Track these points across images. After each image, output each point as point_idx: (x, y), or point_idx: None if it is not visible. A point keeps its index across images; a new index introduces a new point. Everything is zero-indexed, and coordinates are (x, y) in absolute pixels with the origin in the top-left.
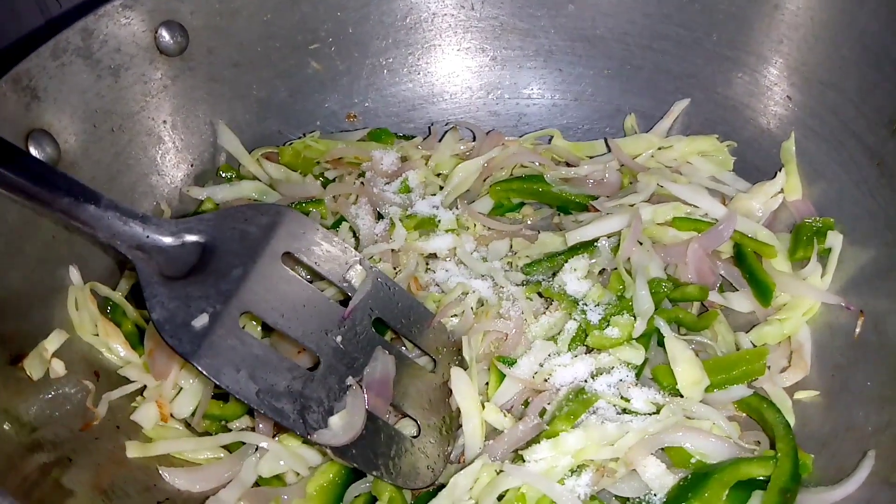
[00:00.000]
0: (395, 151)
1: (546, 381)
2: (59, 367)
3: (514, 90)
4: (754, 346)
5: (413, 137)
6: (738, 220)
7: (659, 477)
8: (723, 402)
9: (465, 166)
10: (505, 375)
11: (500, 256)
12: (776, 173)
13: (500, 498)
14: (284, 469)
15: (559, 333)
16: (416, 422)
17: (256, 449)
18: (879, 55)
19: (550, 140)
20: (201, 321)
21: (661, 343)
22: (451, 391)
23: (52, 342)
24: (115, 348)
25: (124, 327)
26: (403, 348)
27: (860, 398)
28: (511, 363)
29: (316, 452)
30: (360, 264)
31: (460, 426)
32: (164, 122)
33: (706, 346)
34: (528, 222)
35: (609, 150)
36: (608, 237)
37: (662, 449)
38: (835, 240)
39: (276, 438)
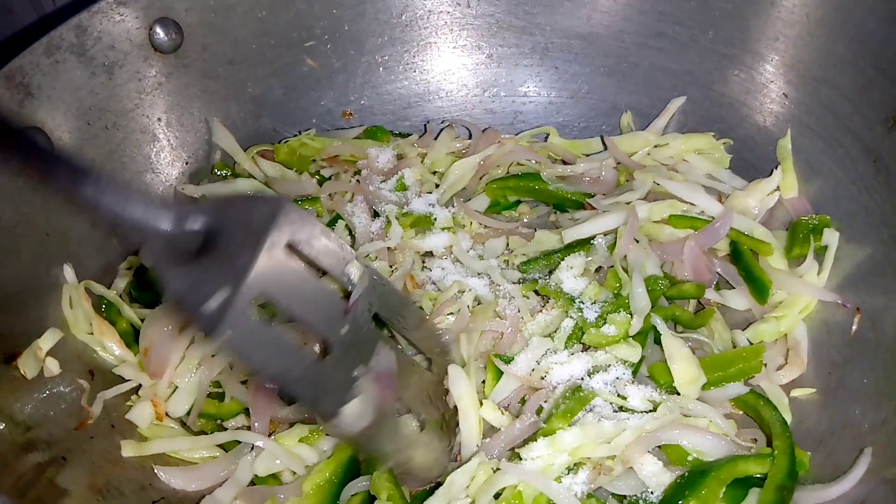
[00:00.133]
0: (391, 149)
1: (543, 378)
2: (53, 366)
3: (510, 88)
4: (751, 343)
5: (409, 135)
6: (734, 217)
7: (656, 475)
8: (719, 399)
9: (461, 164)
10: (502, 373)
11: (496, 254)
12: (772, 171)
13: (497, 496)
14: (280, 468)
15: (556, 331)
16: (418, 417)
17: (252, 448)
18: (875, 52)
19: (547, 138)
20: (217, 301)
21: (657, 341)
22: (447, 390)
23: (47, 341)
24: (110, 347)
25: (119, 326)
26: (399, 346)
27: (857, 395)
28: (508, 361)
29: (312, 451)
30: (357, 260)
31: (458, 424)
32: (159, 119)
33: (703, 343)
34: (525, 220)
35: (605, 148)
36: (604, 235)
37: (659, 447)
38: (831, 237)
39: (272, 437)
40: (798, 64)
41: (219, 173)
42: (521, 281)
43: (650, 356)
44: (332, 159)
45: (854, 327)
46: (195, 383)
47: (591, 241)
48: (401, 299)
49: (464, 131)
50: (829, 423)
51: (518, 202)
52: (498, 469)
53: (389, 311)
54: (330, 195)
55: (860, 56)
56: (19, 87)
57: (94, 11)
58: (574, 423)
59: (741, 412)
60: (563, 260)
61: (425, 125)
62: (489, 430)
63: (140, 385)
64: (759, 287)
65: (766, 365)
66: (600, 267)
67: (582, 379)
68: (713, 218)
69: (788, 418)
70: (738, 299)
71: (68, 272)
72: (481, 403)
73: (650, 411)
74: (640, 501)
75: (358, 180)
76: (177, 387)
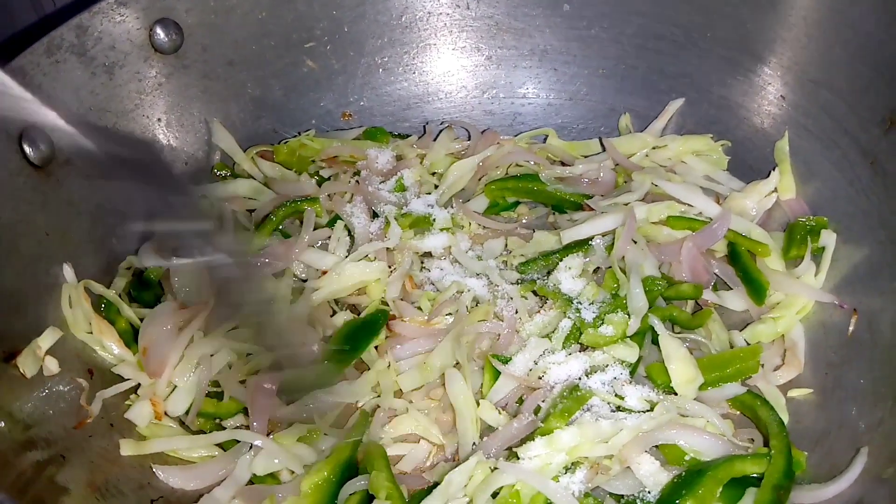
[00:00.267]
0: (390, 150)
1: (540, 378)
2: (52, 365)
3: (509, 89)
4: (748, 344)
5: (408, 136)
6: (732, 218)
7: (653, 474)
8: (717, 399)
9: (460, 165)
10: (500, 373)
11: (494, 255)
12: (770, 172)
13: (494, 495)
14: (279, 467)
15: (553, 331)
16: None
17: (251, 447)
18: (872, 54)
19: (545, 139)
20: None
21: (655, 341)
22: None
23: (46, 340)
24: (109, 346)
25: (118, 325)
26: None
27: (853, 396)
28: (506, 361)
29: (311, 450)
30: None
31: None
32: (159, 120)
33: (700, 344)
34: (523, 221)
35: (604, 150)
36: (602, 236)
37: (656, 446)
38: (828, 238)
39: (271, 437)
40: (795, 66)
41: (218, 174)
42: (519, 281)
43: (648, 356)
44: (331, 160)
45: (851, 328)
46: (194, 382)
47: (590, 242)
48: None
49: (463, 132)
50: (826, 424)
51: (517, 203)
52: (495, 468)
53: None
54: (329, 196)
55: (857, 58)
56: (20, 86)
57: (95, 12)
58: (571, 422)
59: (738, 412)
60: (561, 261)
61: (424, 126)
62: (487, 430)
63: (139, 384)
64: (756, 288)
65: (763, 365)
66: (598, 268)
67: (579, 379)
68: (711, 219)
69: (785, 418)
70: (736, 300)
71: (68, 271)
72: (478, 404)
73: (647, 411)
74: (638, 501)
75: (357, 181)
76: (176, 386)
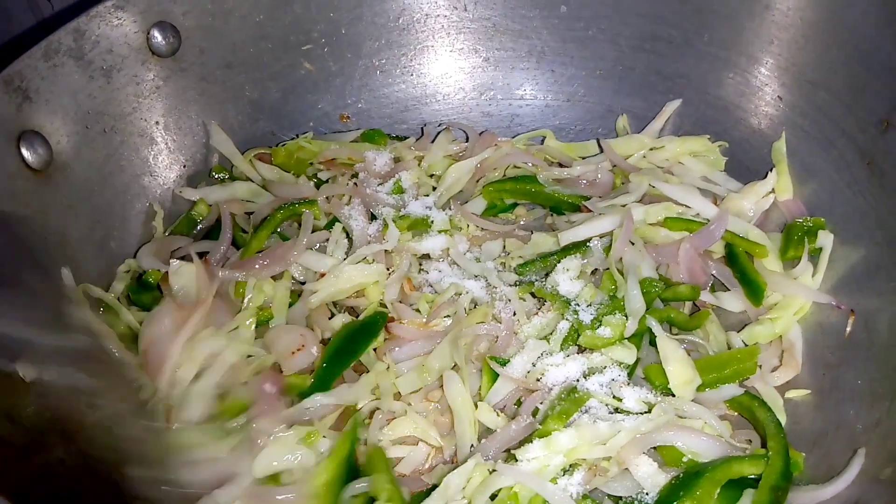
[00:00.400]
0: (388, 152)
1: (538, 380)
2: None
3: (506, 91)
4: (746, 345)
5: (406, 138)
6: (729, 219)
7: (651, 476)
8: (714, 401)
9: (458, 167)
10: (498, 375)
11: (493, 257)
12: (767, 173)
13: (493, 497)
14: (280, 469)
15: (551, 333)
16: None
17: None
18: (869, 55)
19: (543, 141)
20: None
21: (652, 343)
22: None
23: None
24: (110, 350)
25: (117, 328)
26: None
27: (850, 396)
28: (504, 363)
29: (311, 452)
30: None
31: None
32: (157, 122)
33: (698, 345)
34: (521, 223)
35: (601, 151)
36: (600, 237)
37: (654, 448)
38: (826, 239)
39: (272, 438)
40: (792, 67)
41: (217, 176)
42: (517, 283)
43: (645, 358)
44: (329, 162)
45: (848, 329)
46: (209, 385)
47: (587, 244)
48: None
49: (461, 134)
50: (824, 424)
51: (515, 205)
52: (494, 471)
53: None
54: (327, 198)
55: (854, 59)
56: (17, 90)
57: (93, 16)
58: (569, 424)
59: (736, 413)
60: (559, 262)
61: (422, 128)
62: (485, 432)
63: None
64: (753, 289)
65: (760, 366)
66: (596, 269)
67: (577, 380)
68: (708, 220)
69: (783, 419)
70: (733, 301)
71: (66, 275)
72: (476, 406)
73: (645, 413)
74: (636, 502)
75: (355, 183)
76: (190, 391)
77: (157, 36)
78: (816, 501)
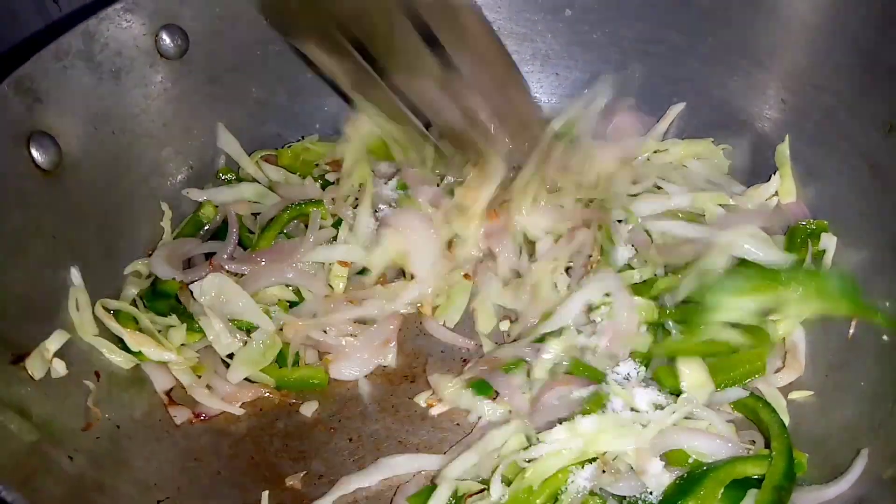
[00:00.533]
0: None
1: None
2: (60, 367)
3: None
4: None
5: None
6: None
7: (656, 475)
8: (719, 402)
9: None
10: None
11: None
12: (771, 176)
13: (509, 483)
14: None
15: None
16: None
17: None
18: (872, 59)
19: None
20: None
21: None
22: None
23: (54, 342)
24: (149, 352)
25: (129, 326)
26: None
27: (853, 398)
28: None
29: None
30: None
31: None
32: (165, 124)
33: None
34: None
35: None
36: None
37: None
38: (829, 242)
39: None
40: (796, 70)
41: (223, 178)
42: None
43: (654, 361)
44: (335, 163)
45: (851, 331)
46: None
47: None
48: None
49: None
50: (827, 425)
51: None
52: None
53: None
54: (333, 200)
55: (857, 63)
56: (28, 92)
57: (102, 18)
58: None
59: (740, 414)
60: None
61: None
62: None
63: (172, 388)
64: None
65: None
66: None
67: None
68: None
69: (786, 420)
70: None
71: (75, 275)
72: None
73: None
74: (640, 502)
75: (361, 185)
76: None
77: (166, 38)
78: (819, 502)
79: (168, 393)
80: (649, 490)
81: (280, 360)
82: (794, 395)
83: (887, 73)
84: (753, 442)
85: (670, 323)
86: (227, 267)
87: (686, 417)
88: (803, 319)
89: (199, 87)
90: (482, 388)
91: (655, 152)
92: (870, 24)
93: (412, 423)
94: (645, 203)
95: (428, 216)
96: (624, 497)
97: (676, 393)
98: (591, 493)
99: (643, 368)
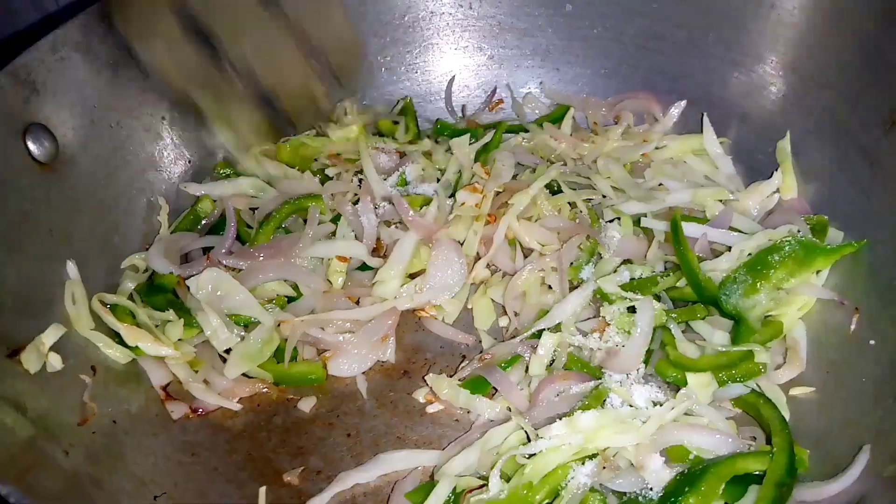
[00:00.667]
0: (393, 146)
1: None
2: (56, 362)
3: (511, 89)
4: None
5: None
6: (733, 216)
7: (656, 471)
8: (721, 399)
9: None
10: None
11: None
12: (773, 173)
13: (507, 479)
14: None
15: None
16: None
17: None
18: (873, 55)
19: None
20: None
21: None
22: None
23: (49, 336)
24: (147, 347)
25: (126, 321)
26: None
27: (855, 394)
28: None
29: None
30: None
31: None
32: (163, 118)
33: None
34: None
35: None
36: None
37: None
38: (835, 237)
39: None
40: (797, 66)
41: (222, 172)
42: None
43: (655, 353)
44: (335, 157)
45: (852, 326)
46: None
47: None
48: None
49: None
50: (828, 422)
51: None
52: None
53: None
54: (332, 195)
55: (858, 59)
56: (25, 83)
57: (100, 10)
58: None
59: (740, 410)
60: None
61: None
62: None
63: (168, 383)
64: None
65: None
66: None
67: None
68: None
69: (787, 416)
70: None
71: (71, 269)
72: None
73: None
74: (640, 498)
75: (360, 181)
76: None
77: None
78: (821, 498)
79: (165, 388)
80: (650, 486)
81: (278, 355)
82: (796, 391)
83: (888, 69)
84: (754, 438)
85: (672, 325)
86: (224, 262)
87: (686, 413)
88: (804, 314)
89: None
90: (479, 385)
91: (656, 148)
92: (870, 21)
93: (411, 419)
94: (636, 204)
95: (459, 248)
96: (624, 493)
97: (679, 385)
98: (592, 489)
99: (642, 365)
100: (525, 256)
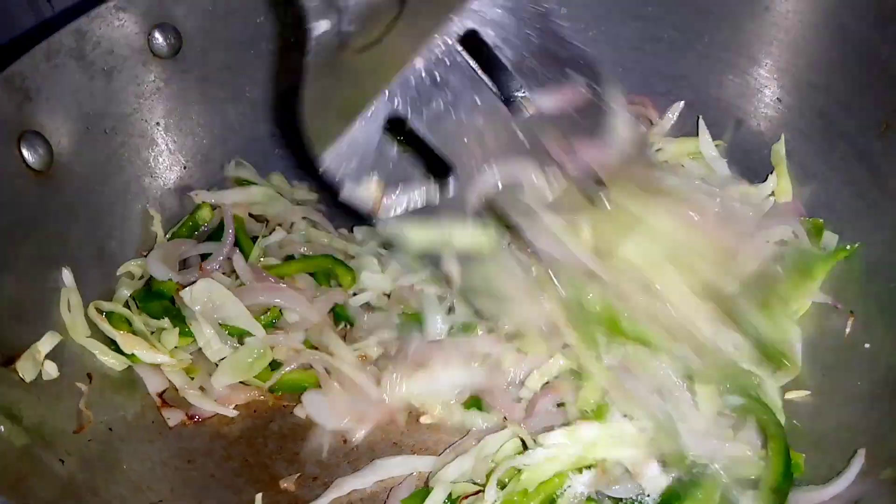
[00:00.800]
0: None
1: None
2: (51, 370)
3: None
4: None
5: None
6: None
7: (653, 478)
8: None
9: None
10: None
11: None
12: (767, 176)
13: (503, 486)
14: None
15: None
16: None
17: None
18: (868, 58)
19: None
20: None
21: None
22: None
23: (45, 344)
24: (143, 354)
25: (121, 328)
26: None
27: (850, 398)
28: None
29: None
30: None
31: None
32: (157, 124)
33: None
34: None
35: None
36: None
37: None
38: (830, 240)
39: None
40: (792, 69)
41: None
42: None
43: None
44: None
45: (848, 330)
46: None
47: None
48: None
49: None
50: (823, 425)
51: None
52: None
53: None
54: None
55: (853, 61)
56: (19, 90)
57: (94, 16)
58: None
59: (736, 415)
60: None
61: None
62: None
63: (165, 390)
64: None
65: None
66: None
67: None
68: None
69: (782, 420)
70: None
71: (67, 276)
72: None
73: None
74: None
75: None
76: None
77: (159, 37)
78: (816, 502)
79: (161, 395)
80: (646, 493)
81: (273, 364)
82: (791, 394)
83: (883, 71)
84: (750, 443)
85: None
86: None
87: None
88: (799, 318)
89: (192, 86)
90: (472, 401)
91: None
92: (866, 23)
93: (407, 425)
94: None
95: None
96: (620, 499)
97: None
98: (589, 498)
99: None
100: None
